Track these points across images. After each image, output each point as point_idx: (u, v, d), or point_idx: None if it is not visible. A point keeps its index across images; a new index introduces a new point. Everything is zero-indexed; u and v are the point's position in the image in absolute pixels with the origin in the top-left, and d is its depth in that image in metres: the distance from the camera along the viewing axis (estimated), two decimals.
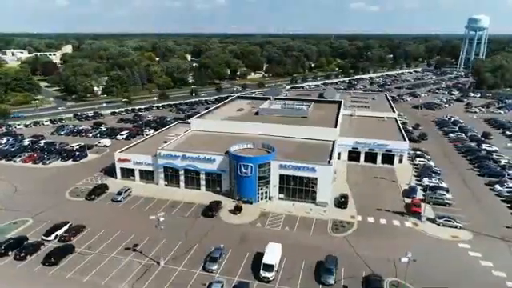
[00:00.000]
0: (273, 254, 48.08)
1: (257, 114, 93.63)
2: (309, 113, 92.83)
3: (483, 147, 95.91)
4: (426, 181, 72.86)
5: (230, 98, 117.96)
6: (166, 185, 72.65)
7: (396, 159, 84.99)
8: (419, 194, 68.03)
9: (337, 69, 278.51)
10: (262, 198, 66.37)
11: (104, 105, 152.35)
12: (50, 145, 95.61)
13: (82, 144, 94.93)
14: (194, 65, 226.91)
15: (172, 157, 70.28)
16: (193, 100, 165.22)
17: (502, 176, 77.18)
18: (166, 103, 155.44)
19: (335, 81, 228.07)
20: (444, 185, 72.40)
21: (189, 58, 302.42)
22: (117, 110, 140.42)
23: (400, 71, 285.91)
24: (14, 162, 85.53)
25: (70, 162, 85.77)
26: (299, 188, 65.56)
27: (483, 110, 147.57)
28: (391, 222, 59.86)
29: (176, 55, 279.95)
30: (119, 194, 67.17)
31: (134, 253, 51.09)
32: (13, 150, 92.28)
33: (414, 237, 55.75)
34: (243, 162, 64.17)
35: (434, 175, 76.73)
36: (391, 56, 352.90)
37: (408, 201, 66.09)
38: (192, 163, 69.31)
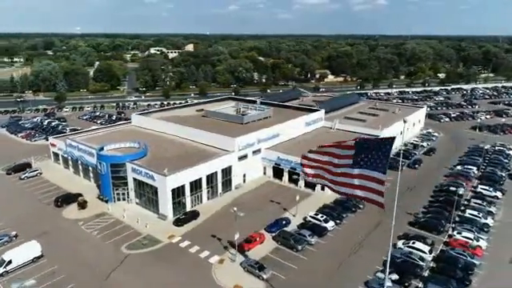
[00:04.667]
0: (20, 250, 48.00)
1: (204, 116, 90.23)
2: (251, 119, 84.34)
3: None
4: (319, 217, 58.05)
5: (221, 98, 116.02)
6: (74, 172, 78.37)
7: (318, 185, 69.81)
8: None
9: (442, 75, 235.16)
10: (120, 199, 65.19)
11: (142, 97, 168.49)
12: (55, 127, 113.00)
13: (79, 128, 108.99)
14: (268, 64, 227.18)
15: (72, 146, 75.30)
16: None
17: None
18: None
19: (417, 89, 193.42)
20: (328, 225, 56.39)
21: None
22: (152, 103, 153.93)
23: None
24: (16, 136, 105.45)
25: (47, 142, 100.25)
26: (149, 196, 61.83)
27: None
28: (205, 254, 50.90)
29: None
30: (25, 173, 76.25)
31: None
32: (28, 126, 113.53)
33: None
34: (99, 159, 64.24)
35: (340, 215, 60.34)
36: None
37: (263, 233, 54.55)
38: (83, 155, 72.78)
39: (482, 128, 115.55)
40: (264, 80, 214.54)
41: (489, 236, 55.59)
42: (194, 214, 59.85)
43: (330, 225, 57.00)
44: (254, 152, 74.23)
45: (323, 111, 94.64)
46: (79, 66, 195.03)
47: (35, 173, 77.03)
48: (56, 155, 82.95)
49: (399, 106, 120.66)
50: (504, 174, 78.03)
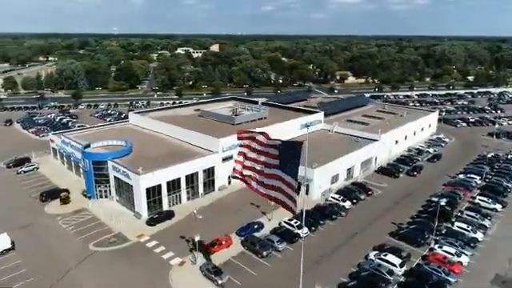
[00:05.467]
0: None
1: (200, 116, 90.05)
2: (244, 120, 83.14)
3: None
4: (293, 223, 56.02)
5: (224, 98, 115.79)
6: (68, 168, 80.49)
7: (302, 189, 67.50)
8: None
9: (471, 78, 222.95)
10: (102, 196, 66.10)
11: (155, 96, 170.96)
12: (65, 123, 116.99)
13: (87, 125, 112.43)
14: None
15: (65, 143, 77.31)
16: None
17: None
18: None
19: (441, 92, 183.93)
20: (302, 232, 54.15)
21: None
22: (164, 102, 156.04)
23: None
24: (27, 131, 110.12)
25: None
26: (127, 194, 62.17)
27: None
28: (169, 255, 50.47)
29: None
30: (22, 167, 79.16)
31: None
32: (41, 122, 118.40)
33: None
34: (83, 156, 65.45)
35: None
36: None
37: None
38: (74, 151, 74.37)
39: (499, 135, 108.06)
40: (281, 81, 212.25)
41: (475, 252, 51.49)
42: (169, 214, 59.61)
43: (304, 231, 54.71)
44: None
45: (322, 113, 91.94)
46: (101, 65, 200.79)
47: (32, 167, 79.82)
48: (55, 151, 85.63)
49: (409, 109, 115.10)
50: (510, 185, 72.30)
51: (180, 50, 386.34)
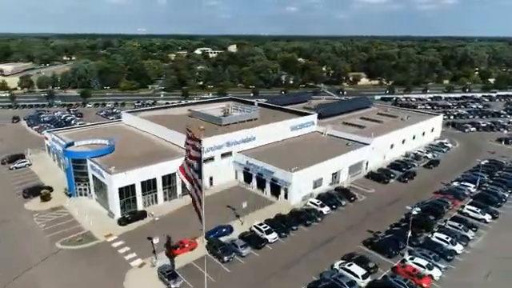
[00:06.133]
0: None
1: (190, 116, 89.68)
2: (232, 121, 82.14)
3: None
4: (262, 228, 54.56)
5: (221, 98, 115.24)
6: (58, 165, 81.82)
7: (282, 193, 65.93)
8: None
9: (493, 80, 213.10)
10: (82, 194, 66.72)
11: (161, 96, 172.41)
12: (68, 121, 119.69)
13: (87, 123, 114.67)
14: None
15: (54, 141, 78.69)
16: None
17: None
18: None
19: (456, 95, 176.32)
20: (270, 237, 52.54)
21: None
22: (170, 102, 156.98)
23: None
24: (32, 128, 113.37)
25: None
26: (103, 193, 62.36)
27: None
28: (131, 256, 50.25)
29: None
30: (15, 163, 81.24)
31: None
32: (46, 119, 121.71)
33: None
34: (64, 154, 66.30)
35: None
36: None
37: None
38: (60, 149, 75.32)
39: (508, 140, 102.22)
40: (292, 81, 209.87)
41: (451, 265, 48.40)
42: (141, 215, 59.38)
43: (272, 237, 53.29)
44: (224, 155, 72.13)
45: (315, 115, 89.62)
46: (114, 65, 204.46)
47: (24, 164, 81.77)
48: (48, 148, 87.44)
49: (412, 112, 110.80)
50: (507, 195, 67.89)
51: (198, 51, 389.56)
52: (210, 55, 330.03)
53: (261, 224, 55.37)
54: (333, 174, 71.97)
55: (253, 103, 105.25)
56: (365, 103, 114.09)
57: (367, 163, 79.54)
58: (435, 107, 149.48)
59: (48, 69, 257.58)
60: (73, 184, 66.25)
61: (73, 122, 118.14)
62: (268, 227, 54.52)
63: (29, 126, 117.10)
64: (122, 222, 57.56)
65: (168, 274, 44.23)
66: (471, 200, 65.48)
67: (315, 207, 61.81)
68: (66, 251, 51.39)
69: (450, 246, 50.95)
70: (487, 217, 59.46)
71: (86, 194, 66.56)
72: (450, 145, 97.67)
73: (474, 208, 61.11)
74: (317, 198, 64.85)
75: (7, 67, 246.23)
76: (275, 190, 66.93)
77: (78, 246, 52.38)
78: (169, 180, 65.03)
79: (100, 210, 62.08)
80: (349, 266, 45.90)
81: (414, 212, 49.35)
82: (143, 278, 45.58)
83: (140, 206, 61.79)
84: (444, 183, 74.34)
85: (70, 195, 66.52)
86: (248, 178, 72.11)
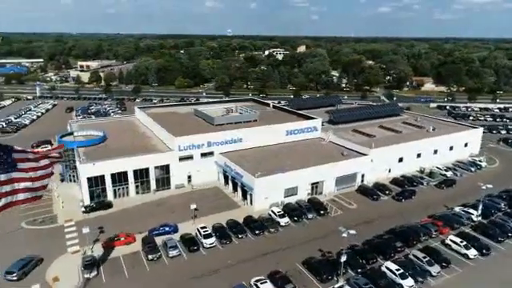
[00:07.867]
0: None
1: (194, 115, 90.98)
2: (226, 121, 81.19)
3: None
4: (202, 231, 53.36)
5: (243, 99, 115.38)
6: None
7: (248, 197, 63.19)
8: None
9: None
10: (71, 180, 72.02)
11: (204, 94, 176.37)
12: (108, 113, 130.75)
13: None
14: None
15: (67, 134, 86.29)
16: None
17: None
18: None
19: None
20: (207, 241, 50.74)
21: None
22: (211, 100, 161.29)
23: None
24: (77, 117, 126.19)
25: None
26: None
27: None
28: (74, 242, 52.98)
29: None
30: (39, 148, 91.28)
31: None
32: (93, 111, 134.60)
33: None
34: (58, 142, 72.58)
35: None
36: None
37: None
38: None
39: None
40: (343, 85, 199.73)
41: None
42: (106, 205, 62.18)
43: (209, 241, 51.58)
44: (205, 154, 71.80)
45: (319, 120, 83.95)
46: (172, 64, 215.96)
47: (45, 149, 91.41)
48: None
49: (446, 123, 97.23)
50: None
51: (267, 52, 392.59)
52: (279, 56, 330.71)
53: (203, 227, 53.97)
54: (313, 183, 66.81)
55: (268, 105, 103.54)
56: (393, 110, 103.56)
57: (363, 176, 72.21)
58: (498, 119, 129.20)
59: (123, 66, 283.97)
60: (64, 170, 72.32)
61: (111, 113, 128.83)
62: (208, 231, 52.96)
63: (76, 116, 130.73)
64: (86, 209, 61.00)
65: (85, 264, 45.70)
66: (461, 230, 55.41)
67: (273, 217, 58.15)
68: (27, 230, 56.28)
69: (398, 280, 43.73)
70: (471, 252, 49.60)
71: (74, 181, 72.07)
72: (484, 164, 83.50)
73: (458, 240, 51.51)
74: (284, 208, 60.97)
75: (93, 64, 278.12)
76: (245, 195, 64.70)
77: (39, 226, 57.03)
78: (141, 174, 66.99)
79: (78, 197, 66.47)
80: (262, 283, 42.30)
81: (344, 235, 43.34)
82: (68, 263, 47.73)
83: (110, 198, 64.76)
84: (447, 207, 64.01)
85: (62, 180, 72.70)
86: (227, 179, 70.86)
